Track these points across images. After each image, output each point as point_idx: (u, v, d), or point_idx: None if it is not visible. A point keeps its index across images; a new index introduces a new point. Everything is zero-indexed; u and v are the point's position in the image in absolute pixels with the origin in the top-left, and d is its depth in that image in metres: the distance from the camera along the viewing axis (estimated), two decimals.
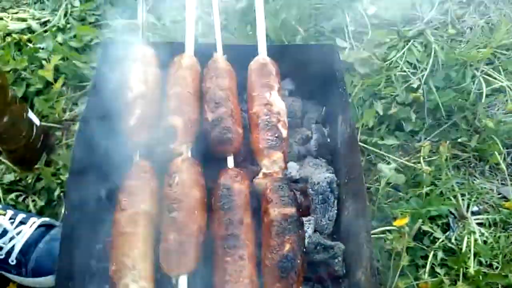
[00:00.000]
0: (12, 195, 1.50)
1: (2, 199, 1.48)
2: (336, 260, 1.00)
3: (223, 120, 0.95)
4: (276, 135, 0.96)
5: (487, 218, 1.52)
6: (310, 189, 1.06)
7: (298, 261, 0.82)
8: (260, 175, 0.93)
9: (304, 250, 0.85)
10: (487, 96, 1.65)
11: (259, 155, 0.95)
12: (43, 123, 1.59)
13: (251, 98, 1.03)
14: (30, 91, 1.66)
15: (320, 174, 1.08)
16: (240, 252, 0.82)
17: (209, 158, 0.97)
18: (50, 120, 1.63)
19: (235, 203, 0.86)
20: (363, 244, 0.93)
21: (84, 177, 0.98)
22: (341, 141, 1.09)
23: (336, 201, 1.07)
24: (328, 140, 1.16)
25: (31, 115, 1.52)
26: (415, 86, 1.65)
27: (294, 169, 1.11)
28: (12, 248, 1.32)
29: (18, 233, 1.33)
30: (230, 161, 0.95)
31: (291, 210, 0.86)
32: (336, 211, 1.07)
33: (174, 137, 0.93)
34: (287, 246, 0.82)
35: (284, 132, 0.98)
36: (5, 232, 1.32)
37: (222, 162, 0.96)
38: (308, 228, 1.02)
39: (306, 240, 0.96)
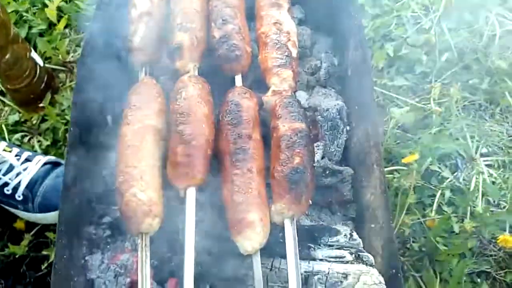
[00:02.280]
0: (18, 135, 1.49)
1: (7, 139, 1.47)
2: (345, 185, 0.99)
3: (231, 37, 0.92)
4: (286, 53, 0.94)
5: (496, 160, 1.50)
6: (319, 116, 1.04)
7: (308, 174, 0.81)
8: (269, 92, 0.91)
9: (314, 165, 0.84)
10: (500, 38, 1.60)
11: (268, 74, 0.92)
12: (47, 65, 1.57)
13: (259, 18, 1.00)
14: (33, 32, 1.63)
15: (329, 102, 1.05)
16: (248, 165, 0.81)
17: (217, 79, 0.94)
18: (54, 62, 1.61)
19: (243, 118, 0.85)
20: (373, 164, 0.92)
21: (89, 104, 0.96)
22: (352, 67, 1.06)
23: (345, 129, 1.05)
24: (338, 69, 1.13)
25: (34, 55, 1.49)
26: (426, 27, 1.61)
27: (303, 98, 1.09)
28: (19, 183, 1.32)
29: (24, 169, 1.33)
30: (238, 80, 0.93)
31: (301, 125, 0.84)
32: (345, 139, 1.05)
33: (180, 55, 0.90)
34: (297, 159, 0.81)
35: (294, 52, 0.96)
36: (11, 168, 1.32)
37: (230, 84, 0.94)
38: (316, 154, 1.00)
39: (315, 165, 0.94)
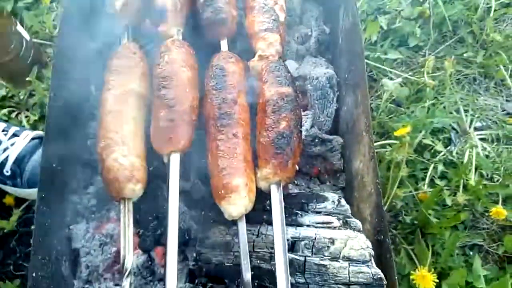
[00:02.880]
0: (5, 111, 1.47)
1: None
2: (334, 154, 0.98)
3: (216, 0, 0.89)
4: (273, 17, 0.91)
5: (490, 134, 1.48)
6: (308, 85, 1.02)
7: (294, 139, 0.79)
8: (256, 57, 0.88)
9: (301, 130, 0.82)
10: (495, 10, 1.58)
11: (255, 38, 0.90)
12: (34, 40, 1.54)
13: None
14: (19, 6, 1.59)
15: (319, 70, 1.03)
16: (234, 131, 0.79)
17: (202, 45, 0.92)
18: (41, 37, 1.58)
19: (228, 83, 0.82)
20: (362, 131, 0.90)
21: (70, 73, 0.94)
22: (343, 34, 1.03)
23: (335, 98, 1.03)
24: (329, 38, 1.11)
25: (20, 28, 1.46)
26: (421, 0, 1.57)
27: (292, 67, 1.06)
28: (6, 159, 1.30)
29: (11, 145, 1.31)
30: (224, 44, 0.90)
31: (288, 90, 0.82)
32: (335, 108, 1.03)
33: (163, 19, 0.88)
34: (283, 124, 0.79)
35: (282, 16, 0.93)
36: None
37: (215, 51, 0.91)
38: (305, 123, 0.99)
39: (304, 134, 0.92)
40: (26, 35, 1.47)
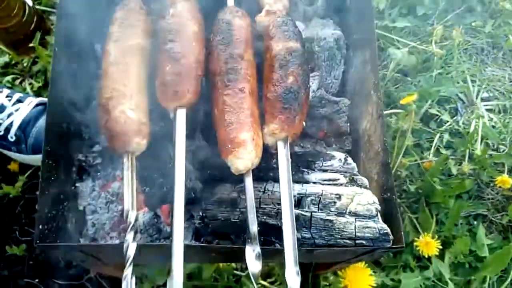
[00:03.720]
0: (8, 78, 1.46)
1: None
2: (341, 116, 0.97)
3: None
4: None
5: (497, 104, 1.47)
6: (315, 46, 1.00)
7: (302, 94, 0.78)
8: (263, 13, 0.87)
9: (308, 85, 0.81)
10: None
11: None
12: (37, 7, 1.52)
13: None
14: None
15: (327, 31, 1.01)
16: (240, 86, 0.78)
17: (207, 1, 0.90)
18: (44, 4, 1.56)
19: (235, 37, 0.81)
20: (370, 91, 0.89)
21: (73, 33, 0.92)
22: None
23: (343, 60, 1.02)
24: None
25: None
26: None
27: (299, 28, 1.04)
28: (11, 124, 1.29)
29: (16, 110, 1.30)
30: None
31: (296, 44, 0.80)
32: (342, 70, 1.02)
33: None
34: (291, 79, 0.78)
35: None
36: (2, 108, 1.30)
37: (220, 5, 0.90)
38: (312, 84, 0.97)
39: (310, 95, 0.91)
40: (28, 0, 1.45)
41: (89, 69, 0.94)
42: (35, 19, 1.46)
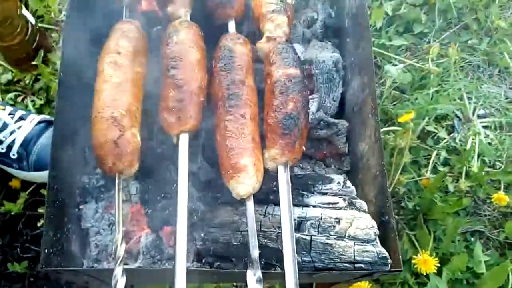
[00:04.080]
0: (11, 95, 1.47)
1: (0, 99, 1.46)
2: (340, 137, 0.99)
3: None
4: None
5: (493, 121, 1.49)
6: (314, 68, 1.02)
7: (302, 120, 0.80)
8: (263, 39, 0.89)
9: (308, 111, 0.83)
10: None
11: (262, 20, 0.90)
12: (39, 24, 1.54)
13: None
14: None
15: (325, 54, 1.04)
16: (241, 111, 0.80)
17: (209, 27, 0.92)
18: (46, 21, 1.58)
19: (236, 64, 0.83)
20: (368, 114, 0.91)
21: (78, 51, 0.94)
22: (349, 17, 1.04)
23: (341, 82, 1.04)
24: (335, 21, 1.11)
25: (26, 12, 1.46)
26: None
27: (298, 51, 1.06)
28: (13, 142, 1.31)
29: (18, 128, 1.32)
30: (232, 25, 0.91)
31: (296, 71, 0.82)
32: (340, 92, 1.04)
33: (171, 0, 0.88)
34: (291, 105, 0.80)
35: None
36: (5, 126, 1.31)
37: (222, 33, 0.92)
38: (311, 106, 0.99)
39: (310, 117, 0.93)
40: (31, 18, 1.47)
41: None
42: (37, 37, 1.48)
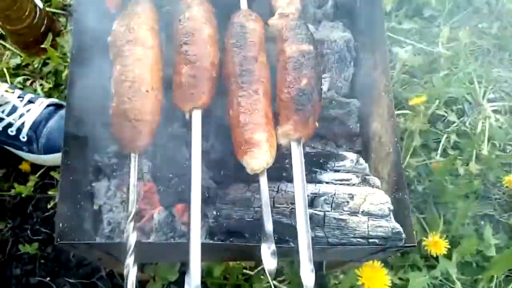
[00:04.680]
0: (20, 79, 1.48)
1: (9, 83, 1.46)
2: (351, 117, 0.98)
3: None
4: None
5: (503, 105, 1.49)
6: (326, 48, 1.02)
7: (315, 96, 0.79)
8: (276, 16, 0.88)
9: (321, 87, 0.82)
10: None
11: None
12: (47, 9, 1.54)
13: None
14: None
15: (337, 34, 1.03)
16: (254, 87, 0.79)
17: (219, 3, 0.91)
18: (54, 6, 1.57)
19: (249, 40, 0.82)
20: (381, 92, 0.90)
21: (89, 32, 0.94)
22: None
23: (352, 62, 1.03)
24: (347, 1, 1.10)
25: None
26: None
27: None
28: (22, 124, 1.31)
29: (27, 111, 1.32)
30: (243, 2, 0.90)
31: (309, 47, 0.82)
32: (352, 72, 1.03)
33: None
34: (304, 81, 0.79)
35: None
36: (14, 109, 1.32)
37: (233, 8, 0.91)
38: (323, 85, 0.99)
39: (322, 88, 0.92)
40: (39, 2, 1.47)
41: (105, 71, 0.95)
42: (45, 21, 1.48)
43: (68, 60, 1.35)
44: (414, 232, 0.76)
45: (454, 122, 1.42)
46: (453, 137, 1.40)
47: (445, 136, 1.39)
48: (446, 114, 1.42)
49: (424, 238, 1.21)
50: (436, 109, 1.42)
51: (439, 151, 1.38)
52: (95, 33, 0.92)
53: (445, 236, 1.21)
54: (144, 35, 0.81)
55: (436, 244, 1.18)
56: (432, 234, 1.20)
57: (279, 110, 0.81)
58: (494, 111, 1.47)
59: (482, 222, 1.36)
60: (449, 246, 1.19)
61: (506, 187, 1.31)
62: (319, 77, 0.82)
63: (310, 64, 0.81)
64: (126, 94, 0.76)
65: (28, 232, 1.32)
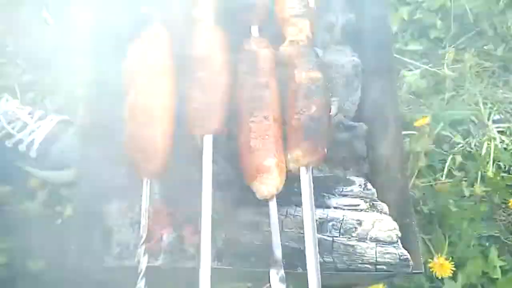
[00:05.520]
0: (30, 95, 1.49)
1: (20, 99, 1.48)
2: (359, 141, 0.99)
3: None
4: (303, 3, 0.93)
5: (508, 127, 1.49)
6: (333, 73, 1.04)
7: (325, 123, 0.81)
8: (286, 42, 0.90)
9: (330, 114, 0.84)
10: None
11: (285, 24, 0.92)
12: None
13: None
14: None
15: (345, 58, 1.05)
16: (265, 113, 0.81)
17: (232, 31, 0.93)
18: None
19: (260, 67, 0.84)
20: (388, 118, 0.91)
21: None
22: (369, 21, 1.05)
23: (360, 86, 1.05)
24: (355, 26, 1.12)
25: (45, 13, 1.49)
26: None
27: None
28: (32, 141, 1.32)
29: (37, 128, 1.34)
30: (255, 30, 0.92)
31: (319, 75, 0.84)
32: (359, 96, 1.05)
33: (195, 3, 0.90)
34: (314, 108, 0.81)
35: (312, 2, 0.95)
36: (24, 125, 1.33)
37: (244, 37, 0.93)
38: (331, 109, 1.00)
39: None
40: (50, 20, 1.50)
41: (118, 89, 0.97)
42: None
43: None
44: (422, 258, 0.77)
45: (459, 143, 1.43)
46: (459, 158, 1.40)
47: (450, 157, 1.40)
48: (451, 135, 1.43)
49: (430, 260, 1.21)
50: (442, 130, 1.43)
51: (444, 172, 1.38)
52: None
53: (450, 257, 1.22)
54: (158, 61, 0.83)
55: (442, 266, 1.18)
56: (438, 256, 1.20)
57: (289, 135, 0.83)
58: (500, 132, 1.48)
59: (487, 244, 1.36)
60: (454, 268, 1.19)
61: None
62: (328, 103, 0.84)
63: (320, 91, 0.83)
64: (139, 120, 0.78)
65: (36, 249, 1.32)
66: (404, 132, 1.41)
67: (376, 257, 0.77)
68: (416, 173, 1.33)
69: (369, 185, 0.88)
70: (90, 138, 0.87)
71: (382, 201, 0.88)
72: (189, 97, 0.83)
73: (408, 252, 0.79)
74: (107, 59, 0.92)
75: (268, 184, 0.77)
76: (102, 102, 0.88)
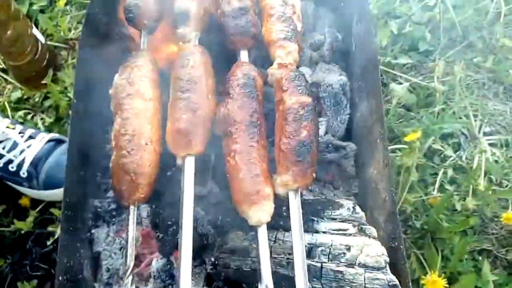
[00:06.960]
0: (21, 113, 1.49)
1: (10, 116, 1.47)
2: (348, 160, 0.99)
3: (248, 13, 0.91)
4: (291, 27, 0.93)
5: (499, 139, 1.50)
6: (322, 92, 1.04)
7: (314, 147, 0.81)
8: (275, 65, 0.90)
9: (318, 138, 0.84)
10: (505, 15, 1.59)
11: (273, 47, 0.92)
12: (48, 43, 1.56)
13: None
14: (34, 9, 1.61)
15: (333, 77, 1.05)
16: (255, 138, 0.80)
17: (216, 53, 0.93)
18: (55, 40, 1.60)
19: (248, 91, 0.84)
20: (376, 139, 0.92)
21: (91, 78, 0.96)
22: (356, 41, 1.05)
23: (348, 105, 1.05)
24: (342, 44, 1.12)
25: (36, 31, 1.48)
26: (431, 4, 1.58)
27: (306, 74, 1.07)
28: (23, 161, 1.32)
29: (28, 147, 1.34)
30: (244, 55, 0.92)
31: (308, 99, 0.84)
32: (348, 115, 1.05)
33: (185, 22, 0.89)
34: (304, 132, 0.80)
35: (299, 26, 0.95)
36: (15, 145, 1.33)
37: (228, 59, 0.93)
38: (319, 129, 1.00)
39: (319, 139, 0.94)
40: (41, 37, 1.50)
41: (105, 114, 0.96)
42: (47, 56, 1.50)
43: (64, 101, 1.37)
44: (410, 283, 0.76)
45: (450, 157, 1.43)
46: (450, 172, 1.40)
47: (442, 170, 1.40)
48: (442, 149, 1.43)
49: (423, 277, 1.21)
50: (433, 143, 1.43)
51: (436, 186, 1.38)
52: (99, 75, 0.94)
53: (443, 272, 1.22)
54: (144, 87, 0.83)
55: (435, 283, 1.18)
56: (431, 273, 1.20)
57: (278, 159, 0.83)
58: (491, 145, 1.49)
59: (480, 257, 1.36)
60: (447, 285, 1.19)
61: (505, 222, 1.32)
62: (317, 127, 0.84)
63: (309, 116, 0.83)
64: (125, 147, 0.77)
65: (27, 268, 1.32)
66: (395, 146, 1.41)
67: (365, 283, 0.77)
68: (407, 188, 1.33)
69: (358, 209, 0.88)
70: (77, 162, 0.87)
71: (371, 224, 0.87)
72: (175, 117, 0.82)
73: (396, 276, 0.79)
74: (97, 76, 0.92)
75: (261, 211, 0.77)
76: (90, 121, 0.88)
